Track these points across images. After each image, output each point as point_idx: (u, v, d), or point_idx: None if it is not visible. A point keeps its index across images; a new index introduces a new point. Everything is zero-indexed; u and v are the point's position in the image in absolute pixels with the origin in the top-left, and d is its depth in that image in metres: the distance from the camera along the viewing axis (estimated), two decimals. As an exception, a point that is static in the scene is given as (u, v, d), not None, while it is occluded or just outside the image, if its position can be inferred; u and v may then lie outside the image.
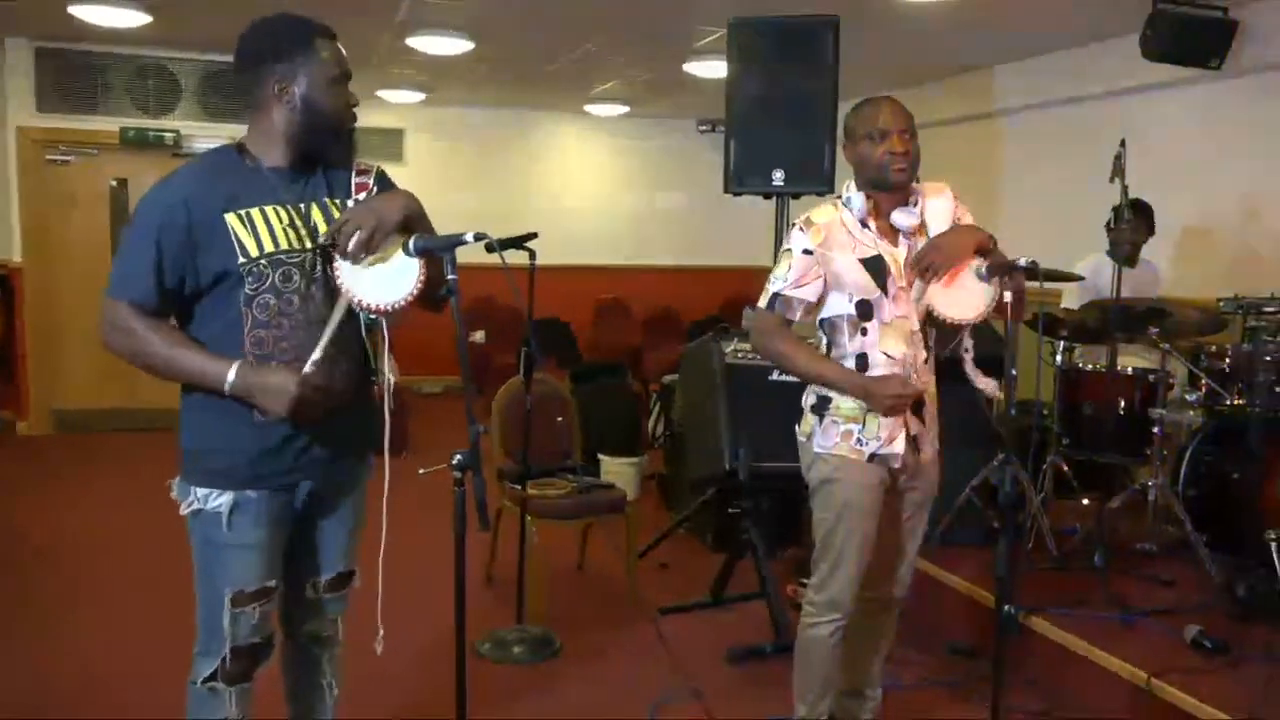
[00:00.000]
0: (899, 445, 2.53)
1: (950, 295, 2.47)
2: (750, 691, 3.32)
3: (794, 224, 2.58)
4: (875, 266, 2.49)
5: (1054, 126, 6.27)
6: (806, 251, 2.50)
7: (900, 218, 2.50)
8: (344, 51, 2.05)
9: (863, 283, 2.49)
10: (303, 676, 2.30)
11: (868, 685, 2.83)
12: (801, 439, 2.65)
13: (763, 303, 2.57)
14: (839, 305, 2.53)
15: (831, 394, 2.56)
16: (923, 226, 2.53)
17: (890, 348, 2.51)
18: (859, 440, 2.53)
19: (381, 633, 2.13)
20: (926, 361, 2.57)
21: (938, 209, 2.56)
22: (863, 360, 2.52)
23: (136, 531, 4.62)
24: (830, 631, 2.62)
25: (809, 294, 2.52)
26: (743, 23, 4.16)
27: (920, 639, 3.61)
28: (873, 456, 2.53)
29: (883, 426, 2.52)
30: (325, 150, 2.06)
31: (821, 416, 2.57)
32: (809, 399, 2.64)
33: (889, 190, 2.50)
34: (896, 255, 2.51)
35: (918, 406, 2.57)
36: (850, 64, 4.29)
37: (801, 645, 2.69)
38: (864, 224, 2.51)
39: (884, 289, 2.49)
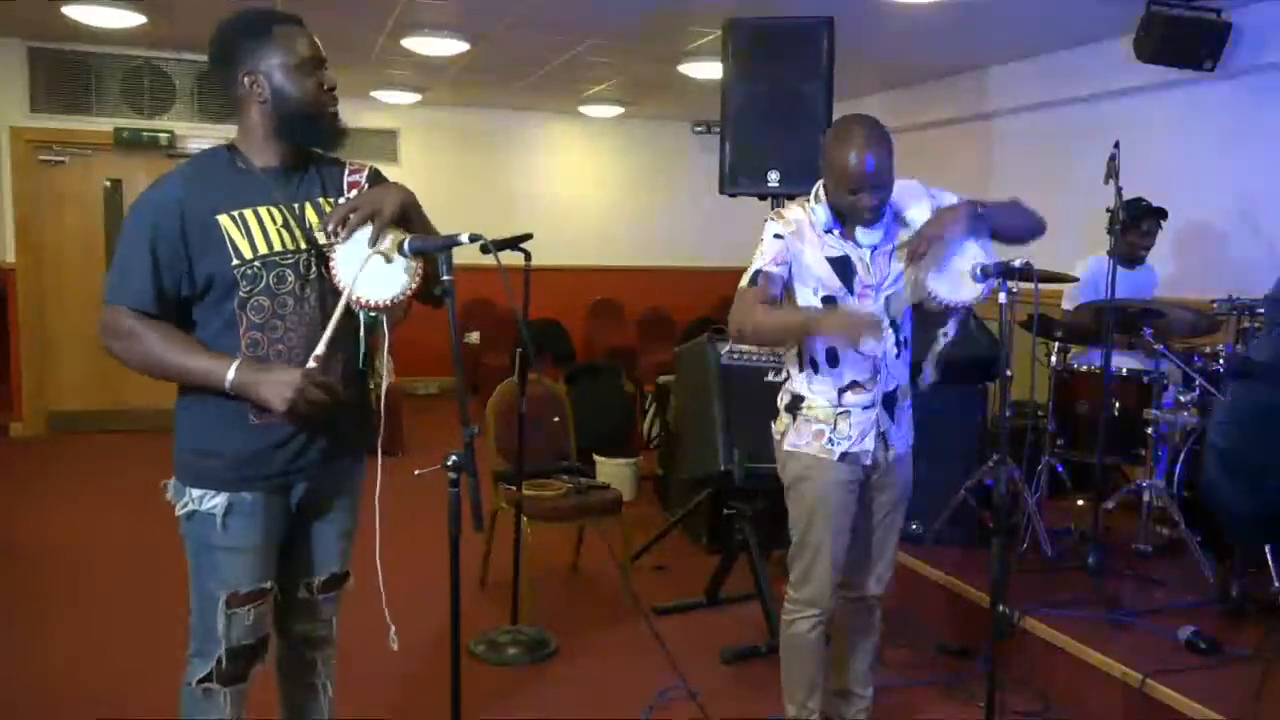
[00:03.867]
0: (870, 442, 2.57)
1: (944, 279, 2.49)
2: (745, 692, 3.32)
3: (767, 218, 2.61)
4: (842, 266, 2.53)
5: (1047, 128, 6.28)
6: (777, 236, 2.54)
7: (863, 236, 2.53)
8: (314, 38, 2.03)
9: (828, 279, 2.53)
10: (297, 677, 2.29)
11: (858, 685, 2.84)
12: (776, 437, 2.69)
13: (744, 281, 2.56)
14: (805, 298, 2.56)
15: (804, 393, 2.60)
16: (904, 225, 2.56)
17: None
18: (830, 440, 2.57)
19: (394, 629, 2.12)
20: (899, 356, 2.59)
21: (919, 210, 2.57)
22: (832, 354, 2.55)
23: (129, 533, 4.61)
24: (811, 626, 2.65)
25: (786, 272, 2.54)
26: (738, 24, 4.16)
27: (912, 638, 3.62)
28: (844, 455, 2.56)
29: (853, 425, 2.56)
30: (307, 138, 2.05)
31: (794, 415, 2.61)
32: (783, 398, 2.68)
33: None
34: (863, 255, 2.54)
35: (889, 402, 2.59)
36: (844, 65, 4.30)
37: (785, 643, 2.72)
38: (829, 230, 2.54)
39: (850, 288, 2.52)
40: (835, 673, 2.84)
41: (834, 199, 2.50)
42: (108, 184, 7.11)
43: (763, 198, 4.31)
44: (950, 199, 2.58)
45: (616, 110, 8.79)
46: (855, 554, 2.69)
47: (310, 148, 2.10)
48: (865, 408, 2.55)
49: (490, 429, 4.10)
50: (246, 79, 1.98)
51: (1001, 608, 2.47)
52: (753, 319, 2.50)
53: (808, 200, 2.60)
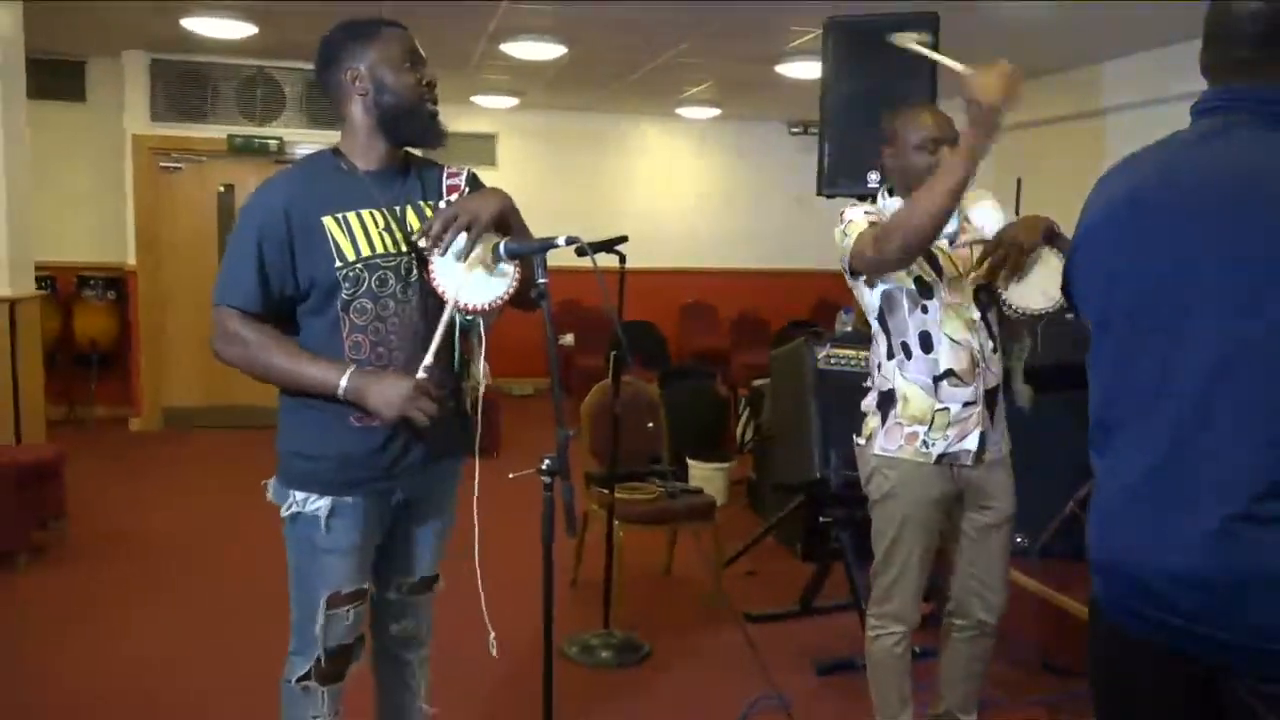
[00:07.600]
0: (971, 441, 2.44)
1: (1022, 288, 2.40)
2: (839, 703, 3.25)
3: (841, 211, 2.53)
4: (927, 255, 2.43)
5: (1167, 126, 5.86)
6: (869, 214, 2.47)
7: None
8: (415, 41, 2.07)
9: (920, 264, 2.43)
10: (391, 676, 2.32)
11: (961, 709, 2.74)
12: (860, 443, 2.57)
13: (854, 232, 2.43)
14: (898, 276, 2.44)
15: (896, 383, 2.46)
16: (967, 223, 2.51)
17: (953, 331, 2.42)
18: (925, 443, 2.43)
19: (494, 635, 2.13)
20: (995, 352, 2.48)
21: (984, 212, 2.52)
22: (926, 339, 2.43)
23: (237, 527, 4.76)
24: (896, 641, 2.57)
25: None
26: (838, 22, 4.08)
27: (1017, 656, 3.48)
28: (940, 458, 2.44)
29: (951, 423, 2.42)
30: (408, 133, 2.07)
31: (885, 417, 2.48)
32: (872, 398, 2.54)
33: None
34: (942, 246, 2.46)
35: (989, 399, 2.47)
36: (948, 62, 4.18)
37: (871, 659, 2.64)
38: None
39: (940, 275, 2.44)
40: (936, 696, 2.75)
41: (909, 179, 2.42)
42: (221, 189, 7.40)
43: (861, 198, 4.21)
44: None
45: (713, 112, 8.76)
46: (966, 581, 2.59)
47: (411, 146, 2.12)
48: (966, 404, 2.42)
49: (584, 431, 4.11)
50: (349, 75, 2.02)
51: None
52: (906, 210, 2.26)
53: (873, 203, 2.55)
